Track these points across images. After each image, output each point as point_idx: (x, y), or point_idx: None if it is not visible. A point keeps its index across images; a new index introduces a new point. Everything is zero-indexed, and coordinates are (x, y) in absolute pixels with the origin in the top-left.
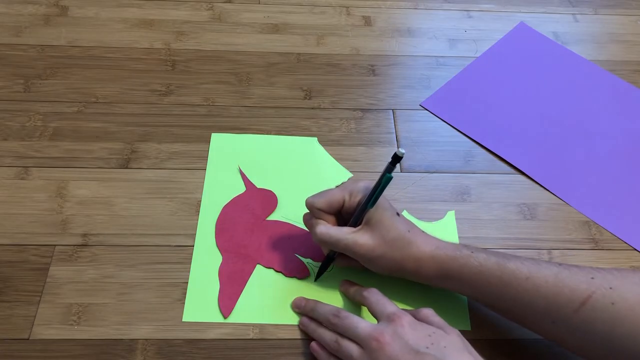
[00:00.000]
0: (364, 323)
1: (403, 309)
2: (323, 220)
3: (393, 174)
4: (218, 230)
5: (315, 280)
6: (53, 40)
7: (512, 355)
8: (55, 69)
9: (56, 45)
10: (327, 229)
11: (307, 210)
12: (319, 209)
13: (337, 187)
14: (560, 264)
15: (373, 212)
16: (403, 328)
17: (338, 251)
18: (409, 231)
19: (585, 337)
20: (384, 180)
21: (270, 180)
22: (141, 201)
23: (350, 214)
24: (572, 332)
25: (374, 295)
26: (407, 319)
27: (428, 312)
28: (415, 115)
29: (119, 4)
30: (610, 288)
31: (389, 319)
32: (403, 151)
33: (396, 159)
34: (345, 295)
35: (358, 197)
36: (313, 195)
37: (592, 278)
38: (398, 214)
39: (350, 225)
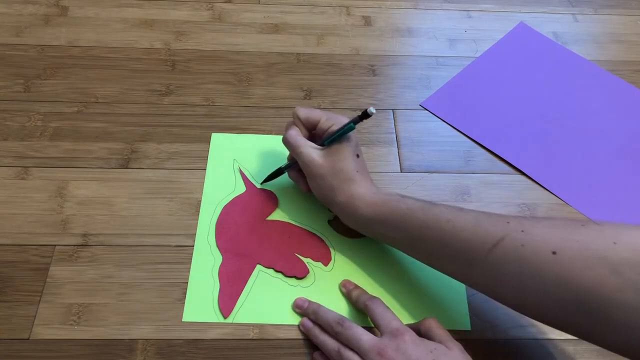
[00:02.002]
0: (368, 336)
1: (407, 324)
2: (298, 128)
3: None
4: (218, 230)
5: (261, 183)
6: (53, 40)
7: (511, 355)
8: (55, 69)
9: (56, 45)
10: (296, 134)
11: (305, 211)
12: (299, 118)
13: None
14: (482, 211)
15: (338, 141)
16: (406, 344)
17: (295, 157)
18: (357, 171)
19: (497, 278)
20: (347, 127)
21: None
22: (141, 201)
23: (320, 137)
24: (485, 274)
25: (378, 307)
26: (410, 334)
27: (432, 324)
28: (415, 115)
29: (119, 4)
30: (522, 231)
31: (392, 334)
32: (374, 110)
33: (365, 115)
34: (346, 297)
35: (331, 124)
36: (301, 106)
37: (508, 222)
38: (358, 156)
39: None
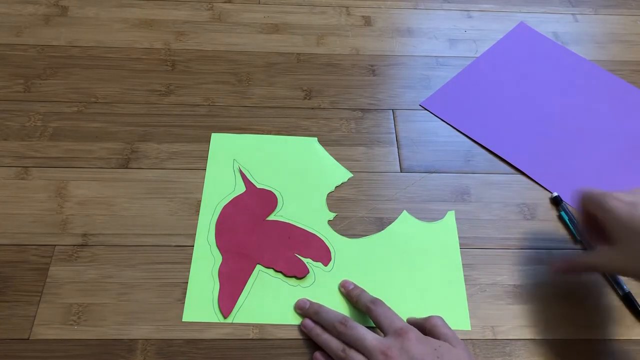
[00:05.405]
0: (372, 335)
1: (412, 319)
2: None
3: None
4: (218, 230)
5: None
6: (53, 40)
7: (511, 355)
8: (55, 69)
9: (56, 45)
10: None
11: (305, 211)
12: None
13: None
14: None
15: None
16: (410, 342)
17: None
18: None
19: None
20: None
21: (270, 180)
22: (141, 201)
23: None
24: None
25: (380, 308)
26: (414, 332)
27: (437, 322)
28: (415, 115)
29: (119, 4)
30: None
31: (397, 333)
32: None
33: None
34: (346, 297)
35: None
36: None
37: None
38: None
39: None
